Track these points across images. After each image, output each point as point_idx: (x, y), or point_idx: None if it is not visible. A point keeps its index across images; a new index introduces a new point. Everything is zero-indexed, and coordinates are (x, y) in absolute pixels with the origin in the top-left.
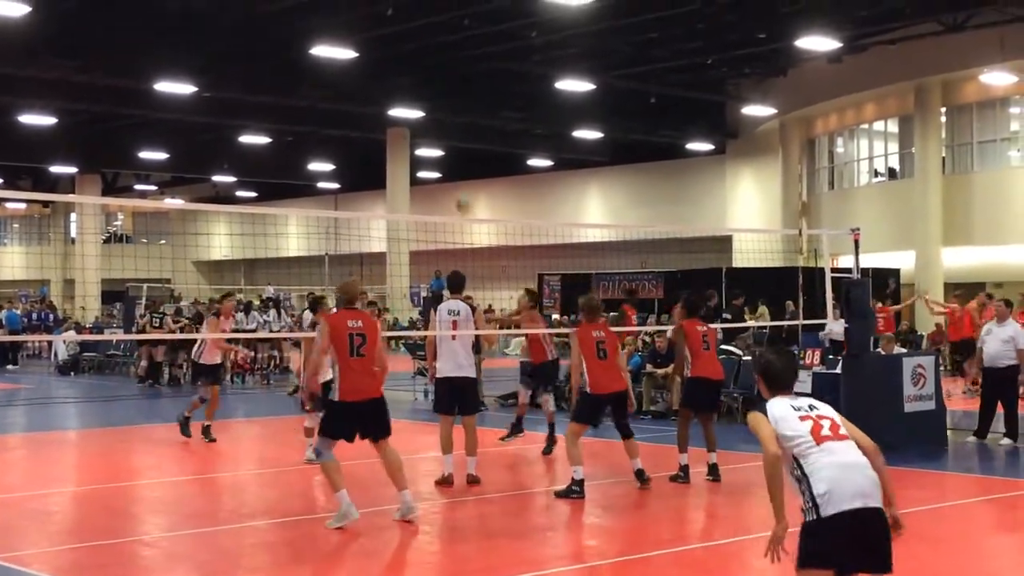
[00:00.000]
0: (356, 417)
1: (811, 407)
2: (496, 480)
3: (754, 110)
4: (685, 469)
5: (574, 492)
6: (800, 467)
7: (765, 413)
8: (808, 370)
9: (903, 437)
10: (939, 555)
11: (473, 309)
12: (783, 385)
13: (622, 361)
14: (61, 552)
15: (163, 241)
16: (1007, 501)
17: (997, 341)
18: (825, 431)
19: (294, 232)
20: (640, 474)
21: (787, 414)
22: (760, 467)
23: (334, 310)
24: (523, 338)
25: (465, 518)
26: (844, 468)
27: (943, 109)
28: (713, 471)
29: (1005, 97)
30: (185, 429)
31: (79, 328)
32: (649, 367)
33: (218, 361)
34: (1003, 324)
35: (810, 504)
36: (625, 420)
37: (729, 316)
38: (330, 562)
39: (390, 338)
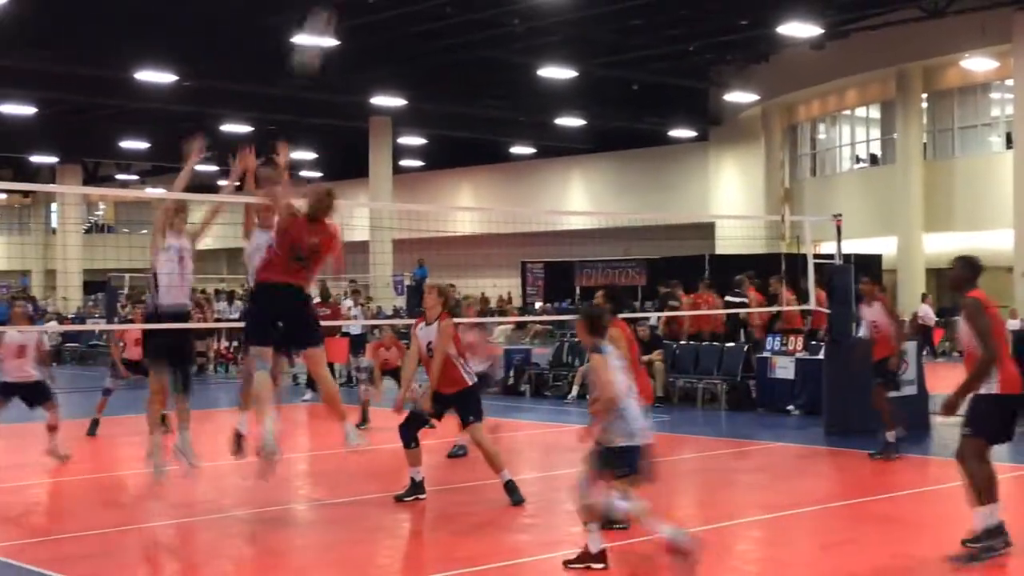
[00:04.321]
0: (275, 304)
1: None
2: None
3: (736, 96)
4: None
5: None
6: None
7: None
8: (791, 356)
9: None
10: (920, 540)
11: (457, 303)
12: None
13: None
14: (51, 542)
15: (145, 231)
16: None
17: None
18: None
19: None
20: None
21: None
22: None
23: None
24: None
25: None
26: None
27: (924, 95)
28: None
29: (986, 83)
30: None
31: (61, 319)
32: None
33: None
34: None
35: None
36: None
37: (677, 304)
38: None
39: (372, 326)
